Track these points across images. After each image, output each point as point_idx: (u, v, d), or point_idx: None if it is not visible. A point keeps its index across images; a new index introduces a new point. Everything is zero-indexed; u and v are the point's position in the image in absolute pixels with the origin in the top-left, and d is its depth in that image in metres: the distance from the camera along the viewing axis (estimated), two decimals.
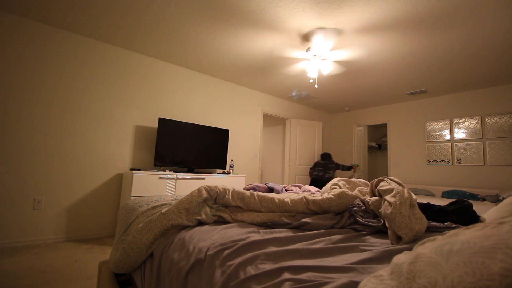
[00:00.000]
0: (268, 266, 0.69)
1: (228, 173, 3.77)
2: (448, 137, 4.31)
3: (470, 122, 4.10)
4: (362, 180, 1.77)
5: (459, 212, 1.20)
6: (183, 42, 2.96)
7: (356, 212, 1.22)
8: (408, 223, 0.93)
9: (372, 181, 1.31)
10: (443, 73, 3.53)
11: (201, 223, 1.11)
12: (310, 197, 1.22)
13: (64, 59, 2.80)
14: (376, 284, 0.48)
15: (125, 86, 3.20)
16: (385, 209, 1.03)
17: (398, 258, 0.49)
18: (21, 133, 2.55)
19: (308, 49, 2.90)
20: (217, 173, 3.59)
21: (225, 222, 1.14)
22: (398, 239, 0.94)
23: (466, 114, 4.17)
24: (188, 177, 3.18)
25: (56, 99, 2.75)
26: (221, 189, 1.24)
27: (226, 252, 0.78)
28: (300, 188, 2.09)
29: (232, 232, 0.93)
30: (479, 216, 1.19)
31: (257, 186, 1.94)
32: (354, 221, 1.16)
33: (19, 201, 2.52)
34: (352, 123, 5.75)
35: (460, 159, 4.14)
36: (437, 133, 4.44)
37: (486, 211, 2.00)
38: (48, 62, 2.71)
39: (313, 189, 2.03)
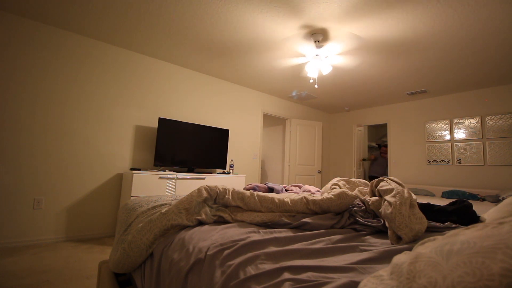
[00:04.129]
0: (268, 266, 0.69)
1: (228, 173, 3.77)
2: (448, 137, 4.31)
3: (470, 122, 4.10)
4: (362, 180, 1.77)
5: (459, 212, 1.20)
6: (183, 42, 2.96)
7: (356, 212, 1.22)
8: (408, 223, 0.93)
9: (372, 181, 1.31)
10: (443, 73, 3.53)
11: (201, 223, 1.11)
12: (310, 197, 1.22)
13: (63, 59, 2.80)
14: (376, 284, 0.48)
15: (125, 86, 3.20)
16: (385, 209, 1.03)
17: (398, 258, 0.49)
18: (21, 133, 2.55)
19: (318, 46, 2.76)
20: (217, 173, 3.59)
21: (225, 222, 1.13)
22: (398, 239, 0.94)
23: (466, 114, 4.17)
24: (188, 177, 3.18)
25: (56, 99, 2.75)
26: (221, 189, 1.24)
27: (226, 252, 0.78)
28: (300, 188, 2.09)
29: (232, 232, 0.93)
30: (479, 216, 1.19)
31: (257, 186, 1.94)
32: (354, 221, 1.16)
33: (19, 201, 2.52)
34: (352, 123, 5.75)
35: (460, 159, 4.14)
36: (437, 133, 4.43)
37: (486, 211, 2.00)
38: (47, 62, 2.71)
39: (313, 189, 2.03)
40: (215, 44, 2.99)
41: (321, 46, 2.77)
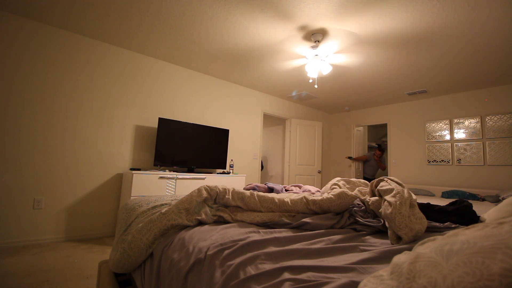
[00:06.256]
0: (268, 266, 0.69)
1: (228, 173, 3.77)
2: (448, 137, 4.31)
3: (470, 122, 4.10)
4: (362, 180, 1.77)
5: (459, 212, 1.20)
6: (184, 41, 2.96)
7: (356, 212, 1.22)
8: (408, 223, 0.93)
9: (372, 181, 1.31)
10: (444, 73, 3.53)
11: (201, 223, 1.11)
12: (310, 197, 1.22)
13: (63, 58, 2.80)
14: (376, 284, 0.48)
15: (125, 86, 3.20)
16: (385, 209, 1.03)
17: (398, 258, 0.49)
18: (21, 133, 2.55)
19: (314, 46, 2.79)
20: (217, 173, 3.59)
21: (225, 222, 1.13)
22: (398, 239, 0.94)
23: (466, 114, 4.17)
24: (188, 177, 3.18)
25: (56, 98, 2.75)
26: (221, 189, 1.24)
27: (226, 252, 0.78)
28: (300, 188, 2.09)
29: (232, 232, 0.93)
30: (479, 216, 1.19)
31: (257, 186, 1.94)
32: (354, 221, 1.16)
33: (19, 201, 2.52)
34: (352, 123, 5.75)
35: (460, 159, 4.14)
36: (437, 133, 4.43)
37: (486, 211, 2.00)
38: (47, 62, 2.71)
39: (313, 189, 2.03)
40: (215, 46, 2.99)
41: (318, 46, 2.77)
